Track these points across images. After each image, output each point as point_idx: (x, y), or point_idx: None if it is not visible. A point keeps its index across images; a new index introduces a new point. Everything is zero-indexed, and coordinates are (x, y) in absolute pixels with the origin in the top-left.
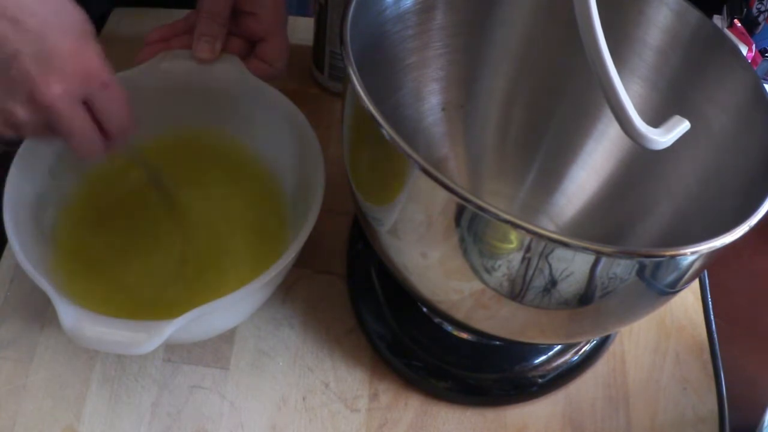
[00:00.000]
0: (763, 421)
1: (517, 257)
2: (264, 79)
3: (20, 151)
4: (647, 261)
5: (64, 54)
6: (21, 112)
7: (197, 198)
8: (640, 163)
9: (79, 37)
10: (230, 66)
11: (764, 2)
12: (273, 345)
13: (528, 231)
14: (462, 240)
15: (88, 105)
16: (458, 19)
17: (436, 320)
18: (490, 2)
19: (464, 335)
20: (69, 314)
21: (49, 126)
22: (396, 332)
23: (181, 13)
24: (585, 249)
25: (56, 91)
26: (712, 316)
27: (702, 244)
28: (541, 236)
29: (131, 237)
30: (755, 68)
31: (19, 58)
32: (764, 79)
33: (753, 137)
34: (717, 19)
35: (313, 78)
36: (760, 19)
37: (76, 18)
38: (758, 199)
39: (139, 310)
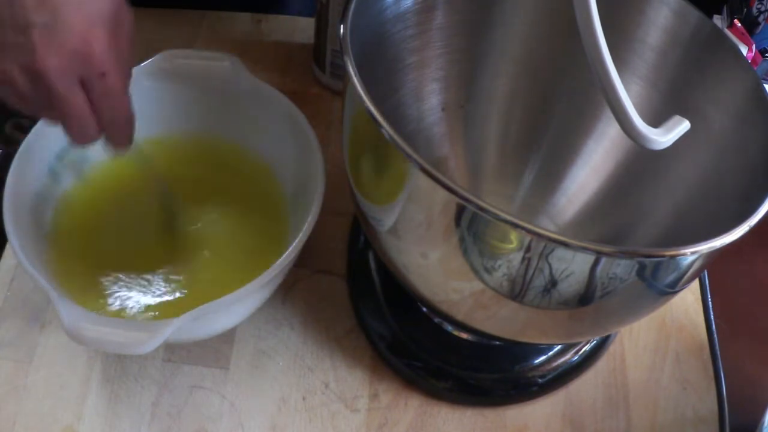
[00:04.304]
0: (763, 421)
1: (517, 257)
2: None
3: (20, 151)
4: (647, 261)
5: (71, 32)
6: (20, 79)
7: (197, 198)
8: (640, 163)
9: (95, 23)
10: (230, 66)
11: (764, 2)
12: (273, 345)
13: (528, 231)
14: (462, 240)
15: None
16: (458, 19)
17: (436, 320)
18: (490, 2)
19: (464, 335)
20: (69, 314)
21: (48, 103)
22: (396, 332)
23: (181, 14)
24: (585, 249)
25: (52, 62)
26: (712, 316)
27: (702, 244)
28: (541, 236)
29: (131, 237)
30: (755, 68)
31: (30, 27)
32: (764, 79)
33: (753, 137)
34: (717, 19)
35: (314, 77)
36: (760, 19)
37: (103, 6)
38: (758, 199)
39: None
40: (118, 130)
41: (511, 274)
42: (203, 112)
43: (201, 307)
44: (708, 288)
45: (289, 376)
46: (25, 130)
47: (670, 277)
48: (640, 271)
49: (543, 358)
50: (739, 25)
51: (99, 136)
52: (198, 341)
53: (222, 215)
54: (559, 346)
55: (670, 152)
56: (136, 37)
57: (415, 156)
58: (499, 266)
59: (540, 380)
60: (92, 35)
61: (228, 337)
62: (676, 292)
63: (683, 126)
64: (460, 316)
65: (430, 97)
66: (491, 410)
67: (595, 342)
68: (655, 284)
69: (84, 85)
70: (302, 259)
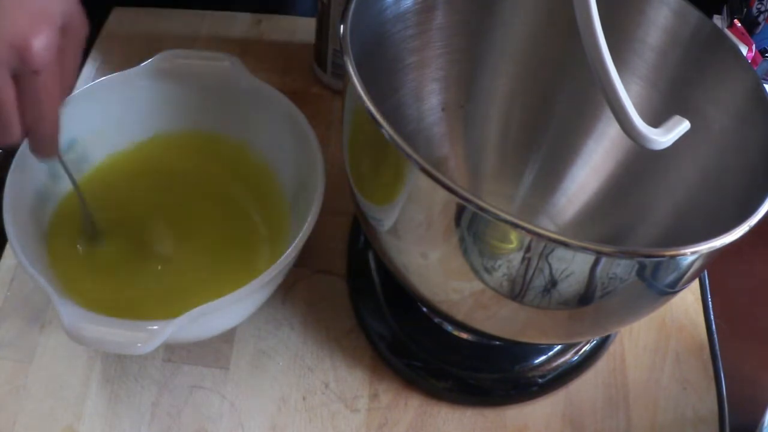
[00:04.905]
0: (763, 421)
1: (517, 257)
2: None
3: (20, 151)
4: (647, 261)
5: (11, 25)
6: None
7: (196, 197)
8: (640, 163)
9: (39, 21)
10: (230, 66)
11: (764, 2)
12: (273, 345)
13: (528, 231)
14: (462, 240)
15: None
16: (458, 19)
17: (436, 320)
18: (490, 2)
19: (464, 335)
20: (69, 314)
21: None
22: (396, 332)
23: (180, 13)
24: (585, 249)
25: None
26: (712, 316)
27: (702, 244)
28: (541, 236)
29: (131, 236)
30: (755, 68)
31: None
32: (764, 79)
33: (753, 137)
34: (717, 19)
35: (314, 76)
36: (760, 19)
37: (52, 7)
38: (758, 199)
39: (139, 310)
40: (40, 135)
41: (511, 274)
42: (203, 113)
43: (201, 307)
44: (708, 288)
45: (289, 376)
46: None
47: (670, 277)
48: (640, 271)
49: (543, 358)
50: (739, 25)
51: (20, 137)
52: (198, 341)
53: (222, 215)
54: (559, 346)
55: (670, 152)
56: (137, 37)
57: (415, 156)
58: (499, 266)
59: (540, 380)
60: (33, 32)
61: (228, 337)
62: (676, 292)
63: (683, 126)
64: (460, 316)
65: (430, 97)
66: (491, 410)
67: (595, 342)
68: (655, 284)
69: (16, 81)
70: (302, 259)
